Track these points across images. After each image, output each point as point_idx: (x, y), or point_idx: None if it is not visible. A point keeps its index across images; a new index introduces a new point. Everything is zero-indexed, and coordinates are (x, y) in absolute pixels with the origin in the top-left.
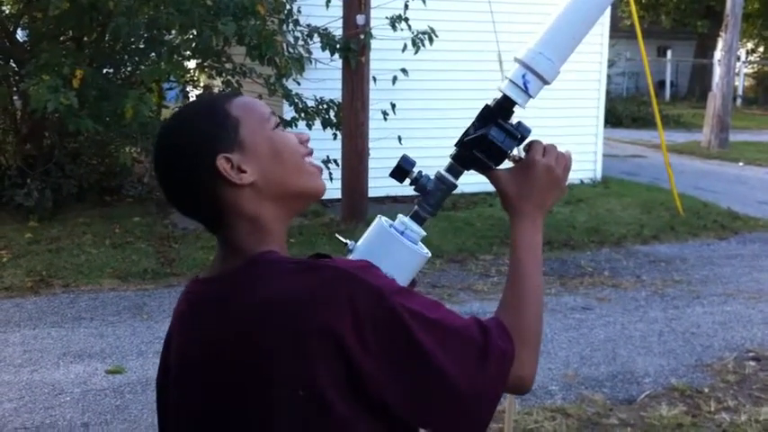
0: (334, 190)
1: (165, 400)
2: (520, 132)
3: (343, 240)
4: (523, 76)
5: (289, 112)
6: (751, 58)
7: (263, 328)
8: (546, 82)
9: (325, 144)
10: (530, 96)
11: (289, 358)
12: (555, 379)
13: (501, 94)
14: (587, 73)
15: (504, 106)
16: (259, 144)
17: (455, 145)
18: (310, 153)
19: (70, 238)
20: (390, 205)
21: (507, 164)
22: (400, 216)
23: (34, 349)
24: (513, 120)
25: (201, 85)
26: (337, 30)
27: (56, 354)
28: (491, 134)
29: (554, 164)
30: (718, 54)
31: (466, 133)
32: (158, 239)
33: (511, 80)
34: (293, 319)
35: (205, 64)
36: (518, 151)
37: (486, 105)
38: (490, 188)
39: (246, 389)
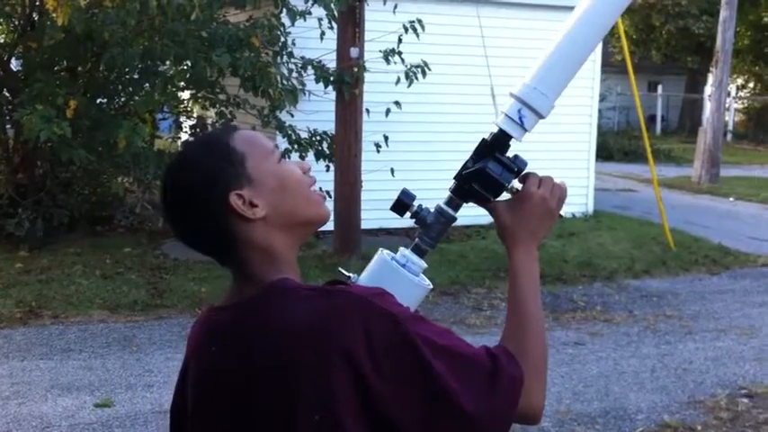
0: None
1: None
2: (517, 165)
3: (346, 274)
4: (519, 111)
5: (282, 144)
6: (741, 93)
7: (281, 355)
8: (541, 116)
9: (317, 176)
10: (525, 130)
11: (306, 384)
12: (548, 415)
13: (497, 129)
14: (579, 107)
15: (500, 140)
16: (266, 177)
17: (454, 178)
18: (314, 182)
19: (60, 269)
20: (384, 237)
21: (505, 196)
22: (402, 249)
23: (22, 381)
24: (510, 153)
25: (195, 115)
26: (331, 62)
27: (44, 386)
28: (489, 168)
29: (549, 195)
30: (708, 89)
31: (464, 167)
32: (149, 270)
33: (507, 115)
34: (310, 345)
35: (199, 95)
36: (515, 184)
37: (484, 139)
38: (483, 221)
39: (267, 416)
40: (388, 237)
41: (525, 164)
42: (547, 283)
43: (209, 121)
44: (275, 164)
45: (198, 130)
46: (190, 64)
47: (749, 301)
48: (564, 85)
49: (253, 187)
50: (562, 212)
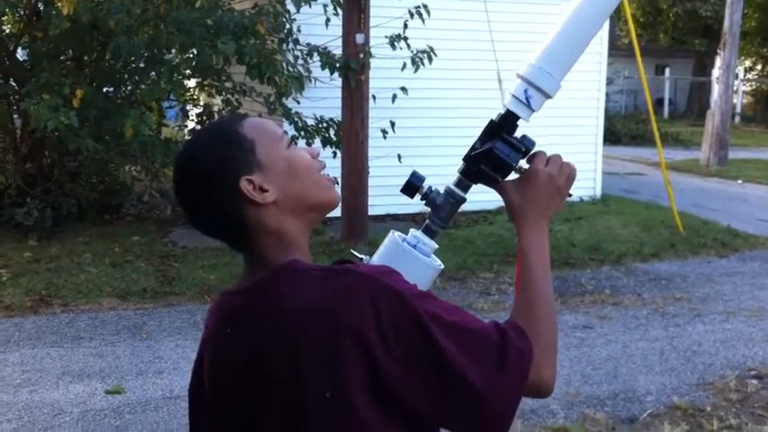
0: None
1: (198, 413)
2: (524, 145)
3: (358, 255)
4: (525, 91)
5: (289, 131)
6: (749, 75)
7: (293, 334)
8: (548, 96)
9: (325, 162)
10: (532, 110)
11: (318, 362)
12: (557, 398)
13: (505, 110)
14: (586, 91)
15: (508, 121)
16: (276, 162)
17: (462, 159)
18: (323, 167)
19: (69, 257)
20: (391, 223)
21: (514, 177)
22: (412, 230)
23: (33, 369)
24: (518, 134)
25: (201, 103)
26: (337, 48)
27: (55, 374)
28: (497, 148)
29: (556, 173)
30: (716, 72)
31: (473, 148)
32: (158, 258)
33: (514, 95)
34: (319, 325)
35: (205, 83)
36: (523, 164)
37: (491, 120)
38: (491, 206)
39: (279, 396)
40: (395, 222)
41: (533, 143)
42: (555, 267)
43: (216, 108)
44: (284, 149)
45: (204, 117)
46: (195, 52)
47: (758, 283)
48: (570, 65)
49: (263, 172)
50: (571, 192)
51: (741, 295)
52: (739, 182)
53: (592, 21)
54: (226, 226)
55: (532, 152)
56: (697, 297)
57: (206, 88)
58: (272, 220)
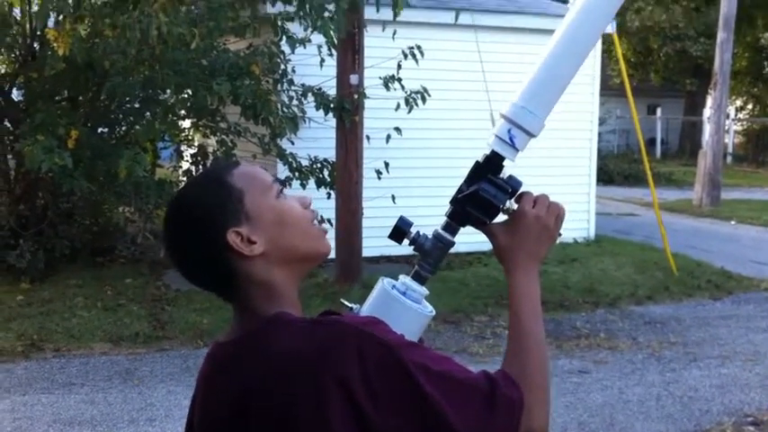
0: None
1: None
2: (511, 186)
3: (348, 305)
4: (509, 131)
5: (283, 172)
6: (740, 115)
7: (279, 384)
8: (532, 135)
9: (318, 203)
10: (517, 150)
11: (303, 412)
12: None
13: (490, 150)
14: (578, 131)
15: (493, 161)
16: (265, 213)
17: (449, 202)
18: (314, 216)
19: (62, 301)
20: (385, 265)
21: (502, 218)
22: (402, 277)
23: (24, 417)
24: (505, 173)
25: (196, 144)
26: (331, 89)
27: (46, 421)
28: (483, 189)
29: (544, 214)
30: (707, 112)
31: (459, 190)
32: (151, 301)
33: (497, 136)
34: (305, 373)
35: (200, 123)
36: (511, 204)
37: (477, 162)
38: (484, 248)
39: None
40: (390, 264)
41: (520, 183)
42: (549, 309)
43: (211, 149)
44: (274, 199)
45: (199, 158)
46: (190, 92)
47: (753, 326)
48: (553, 103)
49: (251, 223)
50: (561, 231)
51: (736, 339)
52: (732, 222)
53: (572, 58)
54: (213, 277)
55: (519, 192)
56: (692, 341)
57: (201, 128)
58: (261, 271)
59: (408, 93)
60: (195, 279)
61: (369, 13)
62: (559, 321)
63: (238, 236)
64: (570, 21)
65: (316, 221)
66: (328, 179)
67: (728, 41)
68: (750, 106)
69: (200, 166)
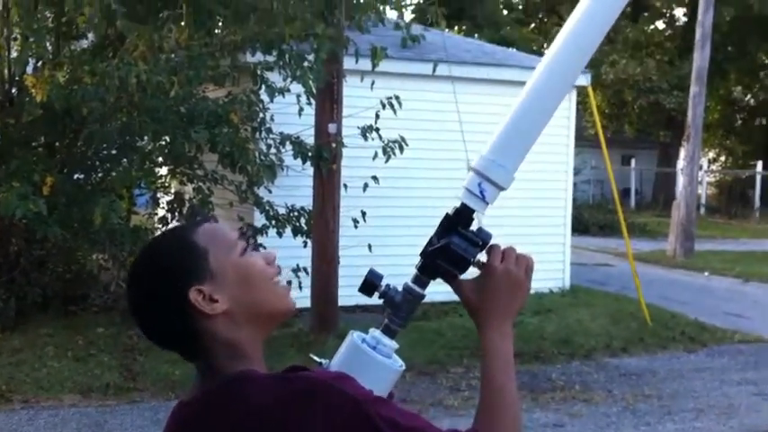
0: (303, 298)
1: None
2: (481, 239)
3: (317, 359)
4: (479, 184)
5: (260, 220)
6: (713, 167)
7: None
8: (501, 188)
9: (295, 252)
10: (487, 203)
11: None
12: None
13: (460, 203)
14: (553, 182)
15: (463, 214)
16: (228, 272)
17: (420, 255)
18: (278, 272)
19: (32, 350)
20: (361, 314)
21: (473, 271)
22: (372, 330)
23: None
24: (481, 224)
25: (172, 191)
26: (309, 138)
27: None
28: (453, 243)
29: (513, 268)
30: (680, 163)
31: (429, 243)
32: (122, 351)
33: (467, 189)
34: (274, 430)
35: (177, 170)
36: (482, 257)
37: (447, 214)
38: None
39: None
40: (366, 314)
41: (490, 236)
42: (525, 361)
43: (187, 196)
44: (238, 256)
45: (175, 205)
46: (168, 139)
47: (727, 378)
48: (523, 156)
49: (214, 282)
50: (532, 283)
51: (711, 392)
52: (705, 274)
53: (541, 112)
54: (175, 336)
55: (489, 245)
56: (667, 394)
57: (178, 176)
58: (224, 330)
59: (386, 142)
60: (157, 338)
61: (348, 63)
62: (535, 373)
63: (200, 294)
64: (538, 75)
65: (280, 278)
66: (305, 227)
67: (701, 95)
68: (723, 158)
69: (177, 214)
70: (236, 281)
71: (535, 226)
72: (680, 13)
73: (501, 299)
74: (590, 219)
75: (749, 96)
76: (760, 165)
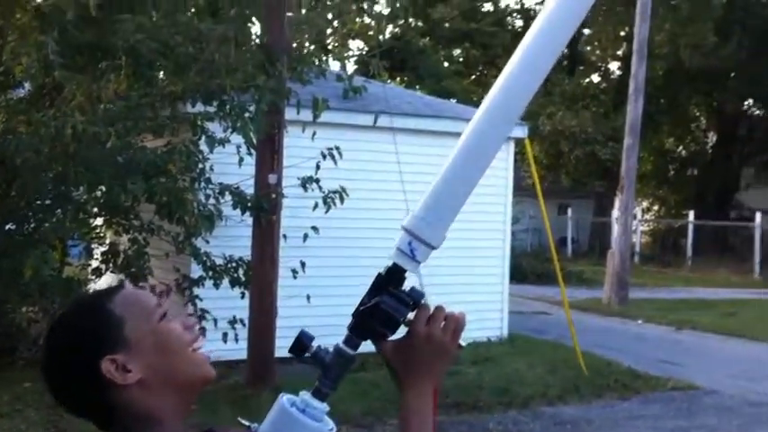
0: (239, 350)
1: None
2: (413, 298)
3: (245, 423)
4: (409, 244)
5: (197, 271)
6: (647, 216)
7: None
8: (432, 247)
9: (232, 303)
10: (418, 262)
11: None
12: None
13: (391, 262)
14: (492, 231)
15: (394, 274)
16: (144, 340)
17: (351, 315)
18: (197, 339)
19: None
20: (298, 367)
21: (404, 330)
22: (302, 393)
23: None
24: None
25: (107, 242)
26: (249, 188)
27: None
28: (383, 302)
29: (437, 332)
30: (615, 213)
31: (361, 303)
32: (49, 408)
33: (398, 248)
34: None
35: (113, 221)
36: (412, 317)
37: (379, 273)
38: None
39: None
40: (304, 366)
41: (422, 296)
42: (463, 411)
43: (122, 247)
44: (156, 324)
45: (110, 256)
46: (104, 190)
47: (660, 426)
48: (455, 213)
49: (129, 351)
50: (462, 343)
51: None
52: (639, 322)
53: (472, 171)
54: (89, 408)
55: (420, 306)
56: None
57: (113, 226)
58: (138, 399)
59: (326, 192)
60: (71, 408)
61: (290, 113)
62: (472, 424)
63: (113, 364)
64: (469, 133)
65: (198, 345)
66: (243, 278)
67: (634, 147)
68: (656, 207)
69: (111, 264)
70: (152, 349)
71: (473, 275)
72: (614, 66)
73: (422, 362)
74: (528, 267)
75: (681, 148)
76: (692, 214)
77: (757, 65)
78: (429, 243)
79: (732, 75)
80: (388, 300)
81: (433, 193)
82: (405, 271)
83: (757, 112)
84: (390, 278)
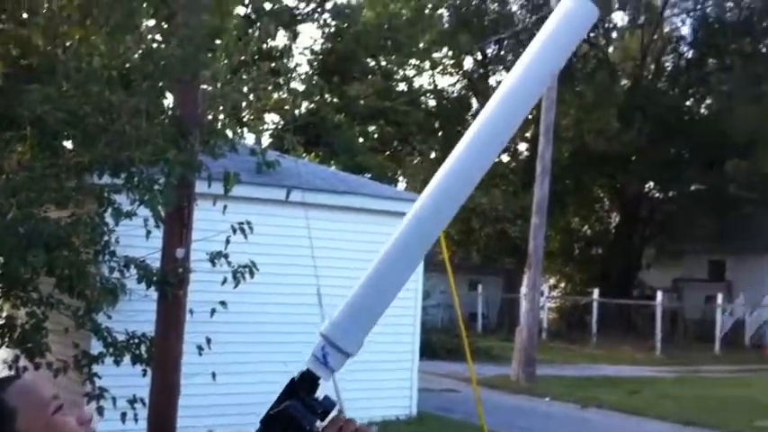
0: (139, 431)
1: None
2: (323, 407)
3: None
4: (323, 349)
5: (97, 347)
6: (554, 293)
7: None
8: (348, 355)
9: (133, 381)
10: (332, 370)
11: None
12: None
13: (305, 368)
14: (402, 308)
15: (307, 380)
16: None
17: (260, 421)
18: None
19: None
20: None
21: None
22: None
23: None
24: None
25: (4, 315)
26: (156, 261)
27: None
28: (291, 407)
29: None
30: (524, 289)
31: (271, 407)
32: None
33: (313, 354)
34: None
35: (10, 293)
36: (320, 426)
37: (292, 378)
38: None
39: None
40: None
41: (333, 405)
42: None
43: (19, 321)
44: (50, 416)
45: (6, 330)
46: (2, 261)
47: None
48: (374, 321)
49: None
50: (375, 425)
51: None
52: (547, 399)
53: (394, 279)
54: None
55: (330, 416)
56: None
57: (11, 299)
58: None
59: (236, 267)
60: None
61: (201, 186)
62: None
63: None
64: (394, 245)
65: None
66: (145, 355)
67: (541, 226)
68: (563, 284)
69: (7, 339)
70: None
71: (383, 352)
72: (523, 147)
73: None
74: (438, 343)
75: (586, 227)
76: (596, 292)
77: (657, 149)
78: (344, 350)
79: (634, 158)
80: (296, 406)
81: (351, 299)
82: (318, 378)
83: (657, 194)
84: (302, 384)
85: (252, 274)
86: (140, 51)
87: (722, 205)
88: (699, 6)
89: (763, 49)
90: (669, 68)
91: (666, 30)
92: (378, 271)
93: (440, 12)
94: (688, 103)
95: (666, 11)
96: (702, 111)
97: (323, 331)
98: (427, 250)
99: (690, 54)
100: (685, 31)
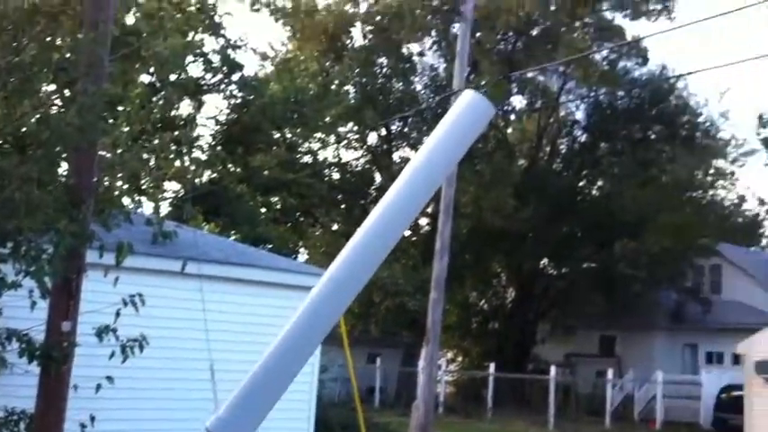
0: None
1: None
2: None
3: None
4: None
5: None
6: (451, 367)
7: None
8: None
9: None
10: None
11: None
12: None
13: None
14: (297, 384)
15: None
16: None
17: None
18: None
19: None
20: None
21: None
22: None
23: None
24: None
25: None
26: (40, 333)
27: None
28: None
29: None
30: (421, 363)
31: None
32: None
33: None
34: None
35: None
36: None
37: None
38: None
39: None
40: None
41: None
42: None
43: None
44: None
45: None
46: None
47: None
48: (264, 413)
49: None
50: None
51: None
52: None
53: (285, 372)
54: None
55: None
56: None
57: None
58: None
59: (125, 341)
60: None
61: (92, 256)
62: None
63: None
64: (284, 339)
65: None
66: None
67: (439, 300)
68: (460, 358)
69: None
70: None
71: (276, 429)
72: (424, 222)
73: None
74: (335, 417)
75: (484, 302)
76: (492, 366)
77: (552, 228)
78: None
79: (530, 236)
80: None
81: (239, 393)
82: None
83: (552, 271)
84: None
85: (141, 348)
86: (37, 116)
87: (612, 283)
88: (592, 93)
89: (652, 136)
90: (563, 151)
91: (562, 114)
92: (267, 364)
93: (346, 88)
94: (581, 184)
95: (562, 96)
96: (594, 192)
97: (208, 426)
98: (322, 338)
99: (583, 138)
100: (579, 115)
